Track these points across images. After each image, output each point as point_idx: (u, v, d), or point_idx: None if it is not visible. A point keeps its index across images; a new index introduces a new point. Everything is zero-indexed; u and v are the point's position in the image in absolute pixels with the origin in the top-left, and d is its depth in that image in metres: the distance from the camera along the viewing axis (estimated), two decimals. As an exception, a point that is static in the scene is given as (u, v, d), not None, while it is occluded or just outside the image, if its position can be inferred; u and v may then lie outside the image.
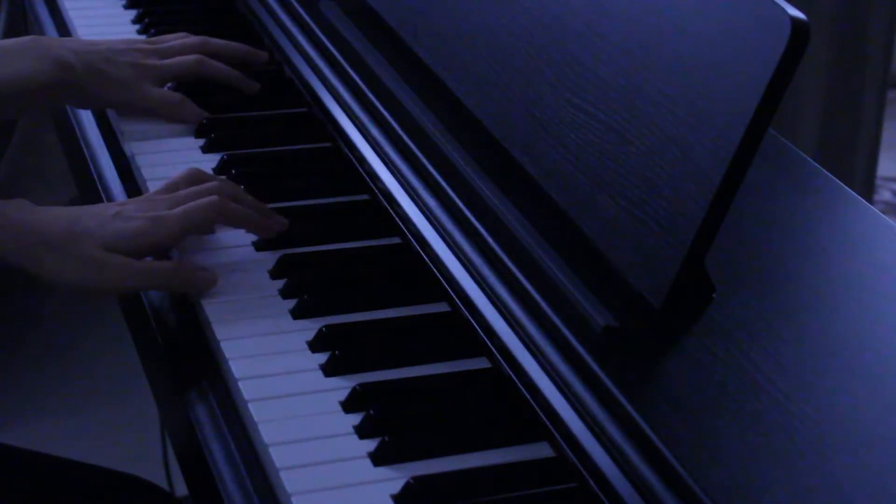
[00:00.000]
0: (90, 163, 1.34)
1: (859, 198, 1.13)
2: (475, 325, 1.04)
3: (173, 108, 1.36)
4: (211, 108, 1.38)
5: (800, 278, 1.04)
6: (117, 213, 1.13)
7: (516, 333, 1.00)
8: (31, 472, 1.28)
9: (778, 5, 0.92)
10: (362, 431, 0.96)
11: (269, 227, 1.17)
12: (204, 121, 1.34)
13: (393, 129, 1.23)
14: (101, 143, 1.35)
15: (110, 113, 1.38)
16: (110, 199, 1.28)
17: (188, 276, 1.11)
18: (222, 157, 1.28)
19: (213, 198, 1.14)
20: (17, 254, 1.10)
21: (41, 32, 1.59)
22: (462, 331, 1.06)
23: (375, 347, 1.05)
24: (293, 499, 0.91)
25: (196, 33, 1.56)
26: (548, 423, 0.95)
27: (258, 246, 1.17)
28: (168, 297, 1.14)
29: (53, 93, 1.32)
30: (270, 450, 0.94)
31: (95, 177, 1.31)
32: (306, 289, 1.11)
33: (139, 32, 1.55)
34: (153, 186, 1.23)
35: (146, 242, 1.12)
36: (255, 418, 0.97)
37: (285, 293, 1.11)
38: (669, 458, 0.85)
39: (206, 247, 1.16)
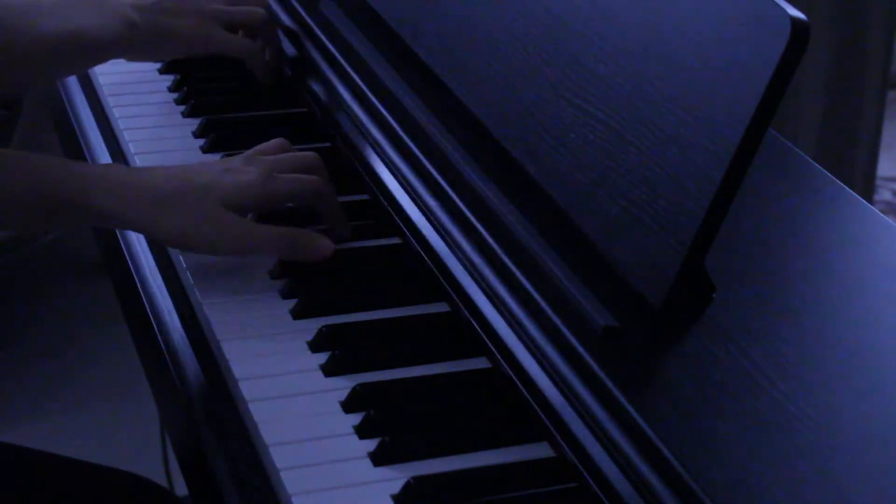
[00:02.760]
0: (90, 162, 1.34)
1: (859, 198, 1.13)
2: (475, 325, 1.04)
3: (254, 55, 1.37)
4: (211, 108, 1.38)
5: (800, 278, 1.04)
6: (227, 168, 1.12)
7: (516, 333, 1.00)
8: (32, 471, 1.28)
9: (778, 5, 0.92)
10: (362, 431, 0.96)
11: (345, 229, 1.17)
12: (204, 121, 1.34)
13: (393, 129, 1.23)
14: (101, 142, 1.35)
15: (110, 112, 1.38)
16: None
17: (308, 242, 1.11)
18: (222, 158, 1.28)
19: (318, 178, 1.14)
20: (135, 212, 1.09)
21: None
22: (462, 331, 1.06)
23: (375, 347, 1.05)
24: (293, 499, 0.91)
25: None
26: (548, 423, 0.95)
27: (258, 246, 1.17)
28: (168, 299, 1.13)
29: (115, 52, 1.29)
30: (271, 450, 0.94)
31: (95, 177, 1.31)
32: (306, 289, 1.11)
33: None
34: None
35: (258, 197, 1.11)
36: (256, 418, 0.97)
37: (285, 293, 1.11)
38: (669, 458, 0.85)
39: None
